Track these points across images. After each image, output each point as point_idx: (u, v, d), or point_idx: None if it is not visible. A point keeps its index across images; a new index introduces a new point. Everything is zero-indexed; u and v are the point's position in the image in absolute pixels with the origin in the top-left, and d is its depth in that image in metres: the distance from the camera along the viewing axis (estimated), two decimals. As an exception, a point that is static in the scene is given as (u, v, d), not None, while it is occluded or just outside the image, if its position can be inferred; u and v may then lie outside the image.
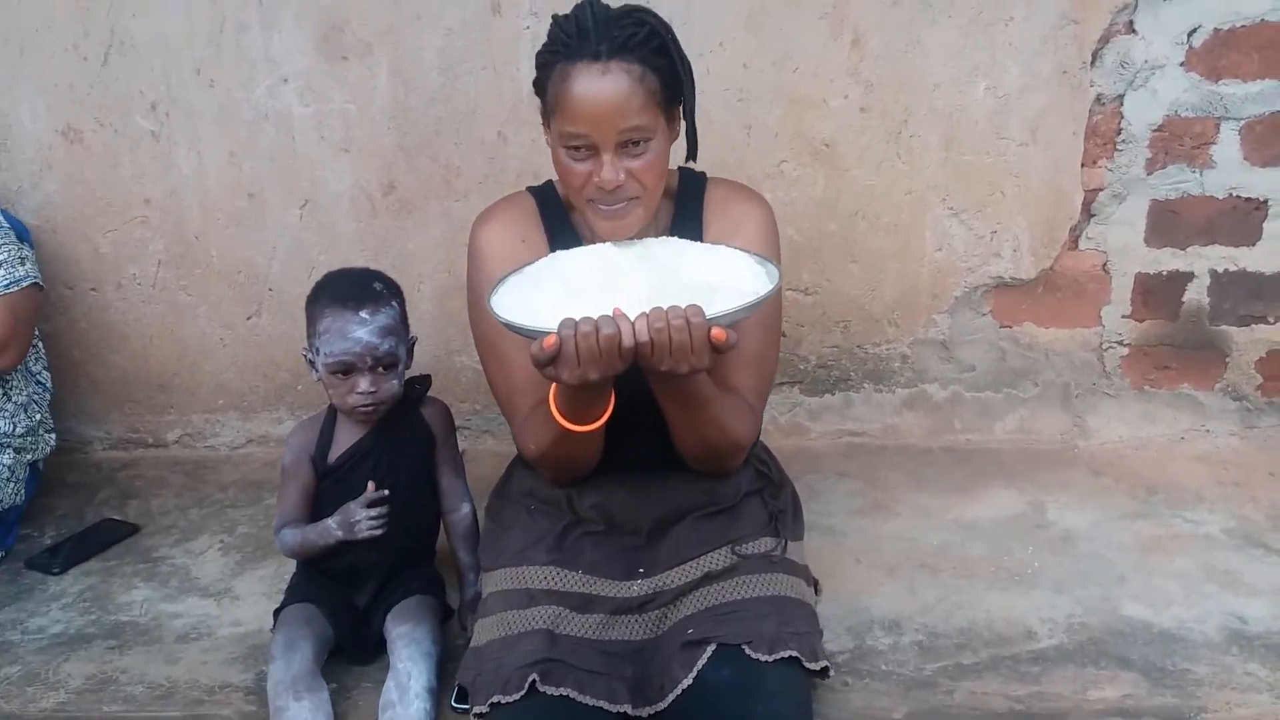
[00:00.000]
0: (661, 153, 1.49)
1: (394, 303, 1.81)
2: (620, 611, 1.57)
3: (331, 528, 1.76)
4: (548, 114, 1.51)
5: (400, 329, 1.80)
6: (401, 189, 2.44)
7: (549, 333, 1.30)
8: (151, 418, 2.66)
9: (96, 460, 2.63)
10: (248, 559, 2.16)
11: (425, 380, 1.92)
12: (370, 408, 1.77)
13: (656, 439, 1.56)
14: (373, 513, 1.73)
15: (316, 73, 2.36)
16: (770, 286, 1.38)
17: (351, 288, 1.78)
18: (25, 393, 2.25)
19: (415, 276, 2.48)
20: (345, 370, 1.75)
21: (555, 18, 1.50)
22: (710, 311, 1.30)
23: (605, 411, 1.45)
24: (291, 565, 1.91)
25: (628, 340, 1.29)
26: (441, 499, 1.91)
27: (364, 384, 1.75)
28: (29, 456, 2.26)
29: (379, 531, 1.73)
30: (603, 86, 1.41)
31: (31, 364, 2.31)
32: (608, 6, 1.48)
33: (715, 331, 1.30)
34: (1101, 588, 1.93)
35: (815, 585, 1.77)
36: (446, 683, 1.66)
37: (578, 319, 1.29)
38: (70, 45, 2.35)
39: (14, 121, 2.41)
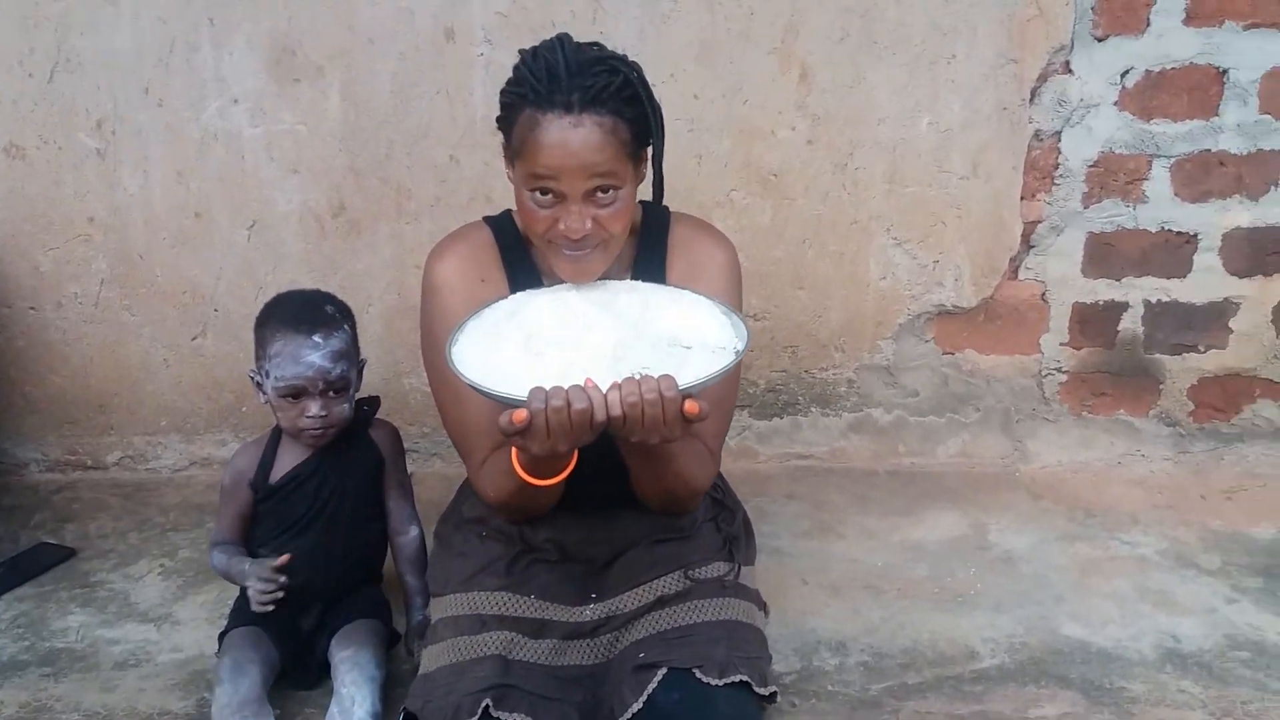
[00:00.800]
0: (629, 200, 1.46)
1: (346, 326, 1.79)
2: (573, 636, 1.57)
3: (245, 574, 1.73)
4: (512, 154, 1.46)
5: (351, 352, 1.79)
6: (351, 210, 2.44)
7: (517, 400, 1.26)
8: (91, 439, 2.61)
9: (33, 483, 2.58)
10: (189, 583, 2.13)
11: (374, 402, 1.91)
12: (319, 431, 1.75)
13: (612, 475, 1.54)
14: (266, 588, 1.69)
15: (267, 94, 2.36)
16: (740, 345, 1.36)
17: (304, 310, 1.77)
18: (-41, 413, 2.20)
19: (364, 298, 2.47)
20: (295, 394, 1.73)
21: (524, 55, 1.44)
22: (682, 381, 1.26)
23: (569, 466, 1.42)
24: (234, 589, 1.88)
25: (599, 415, 1.25)
26: (389, 521, 1.89)
27: (314, 408, 1.73)
28: (-38, 478, 2.20)
29: (268, 608, 1.70)
30: (574, 138, 1.37)
31: (-33, 384, 2.25)
32: (579, 47, 1.43)
33: (688, 405, 1.26)
34: (1041, 608, 1.98)
35: (764, 608, 1.79)
36: (391, 708, 1.65)
37: (547, 389, 1.25)
38: (15, 62, 2.32)
39: (-47, 137, 2.37)
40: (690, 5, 2.30)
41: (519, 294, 1.51)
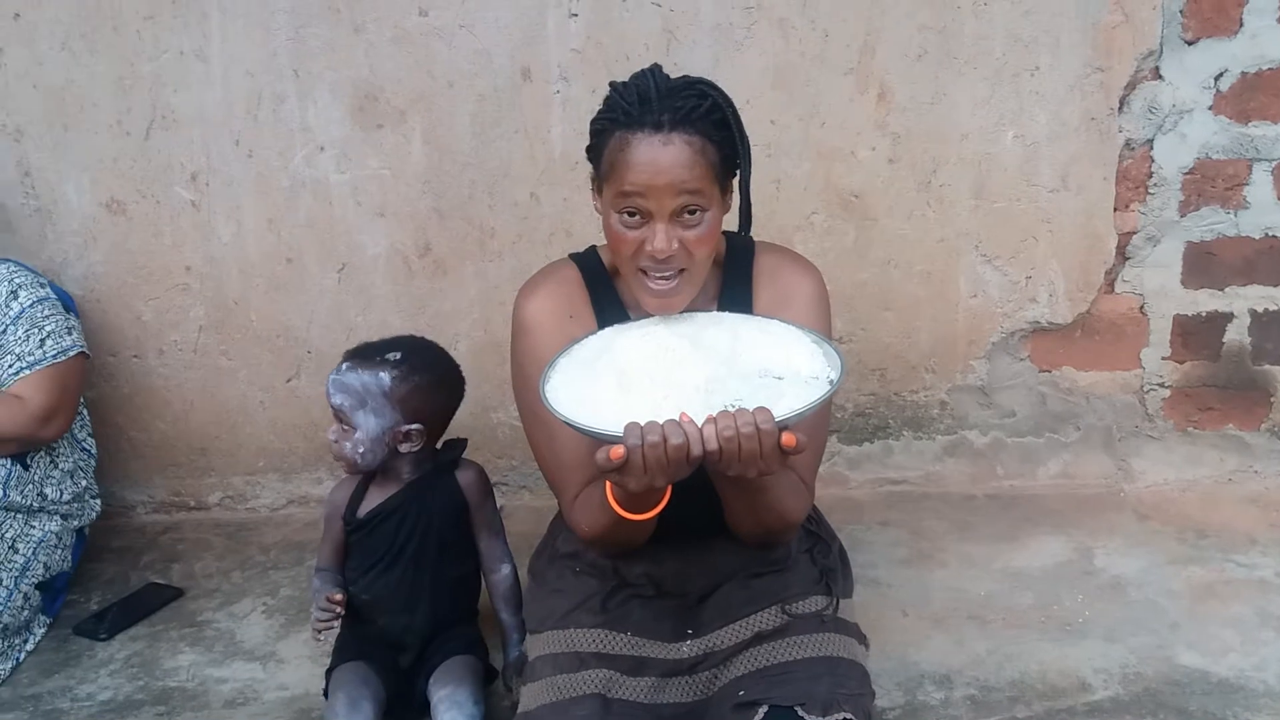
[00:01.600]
0: (715, 225, 1.46)
1: (384, 374, 1.80)
2: (671, 674, 1.56)
3: (319, 599, 1.81)
4: (601, 180, 1.48)
5: (372, 399, 1.79)
6: (437, 250, 2.48)
7: (612, 436, 1.25)
8: (193, 481, 2.68)
9: (140, 524, 2.66)
10: (291, 621, 2.17)
11: (461, 444, 1.94)
12: (339, 459, 1.84)
13: (707, 504, 1.52)
14: (323, 615, 1.77)
15: (352, 140, 2.41)
16: (835, 375, 1.35)
17: (373, 344, 1.88)
18: (71, 459, 2.28)
19: (451, 335, 2.51)
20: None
21: (614, 85, 1.48)
22: (778, 413, 1.25)
23: (664, 499, 1.40)
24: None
25: (696, 449, 1.24)
26: (482, 560, 1.92)
27: (331, 430, 1.84)
28: (75, 523, 2.28)
29: (319, 636, 1.80)
30: (663, 156, 1.39)
31: (77, 431, 2.34)
32: (668, 76, 1.46)
33: (785, 437, 1.25)
34: (1155, 636, 1.90)
35: (864, 641, 1.75)
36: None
37: (643, 424, 1.24)
38: (114, 121, 2.42)
39: (60, 197, 2.47)
40: (763, 32, 2.29)
41: (607, 330, 1.52)
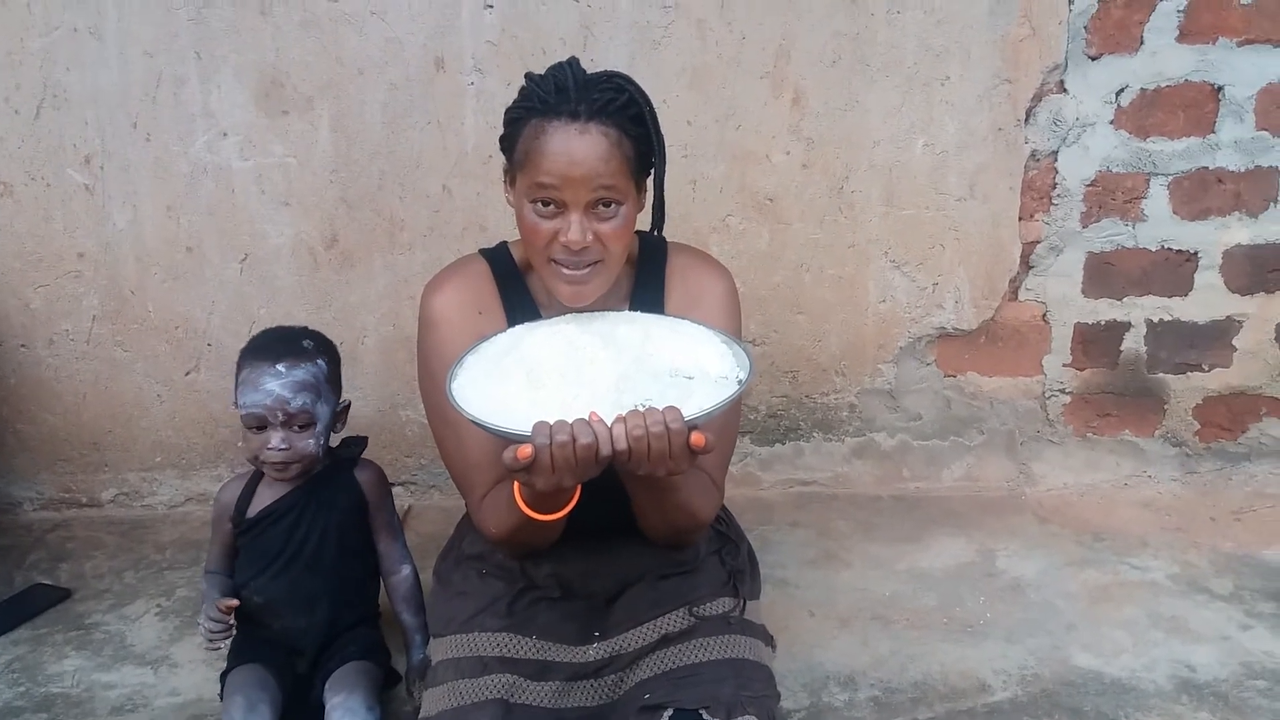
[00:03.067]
0: (629, 219, 1.46)
1: (320, 360, 1.77)
2: (576, 677, 1.54)
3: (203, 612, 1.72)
4: (514, 170, 1.46)
5: (322, 388, 1.76)
6: (344, 242, 2.42)
7: (520, 435, 1.23)
8: (84, 476, 2.57)
9: (27, 522, 2.54)
10: (186, 623, 2.09)
11: (360, 442, 1.89)
12: (281, 465, 1.74)
13: (615, 504, 1.51)
14: (214, 626, 1.67)
15: (256, 127, 2.34)
16: (744, 375, 1.34)
17: (277, 340, 1.78)
18: (-51, 456, 2.17)
19: (359, 330, 2.45)
20: (259, 424, 1.72)
21: (530, 76, 1.47)
22: (687, 412, 1.24)
23: (572, 500, 1.39)
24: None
25: (605, 449, 1.23)
26: (381, 562, 1.88)
27: (275, 439, 1.72)
28: (-47, 522, 2.17)
29: (214, 647, 1.71)
30: (579, 146, 1.39)
31: (-44, 425, 2.22)
32: (585, 70, 1.46)
33: (695, 437, 1.24)
34: (1052, 637, 1.95)
35: (771, 642, 1.76)
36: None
37: (552, 423, 1.23)
38: (1, 99, 2.30)
39: (-59, 175, 2.35)
40: (681, 31, 2.28)
41: (517, 328, 1.49)
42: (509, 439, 1.25)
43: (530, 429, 1.23)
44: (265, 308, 2.44)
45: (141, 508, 2.59)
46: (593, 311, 1.50)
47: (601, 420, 1.24)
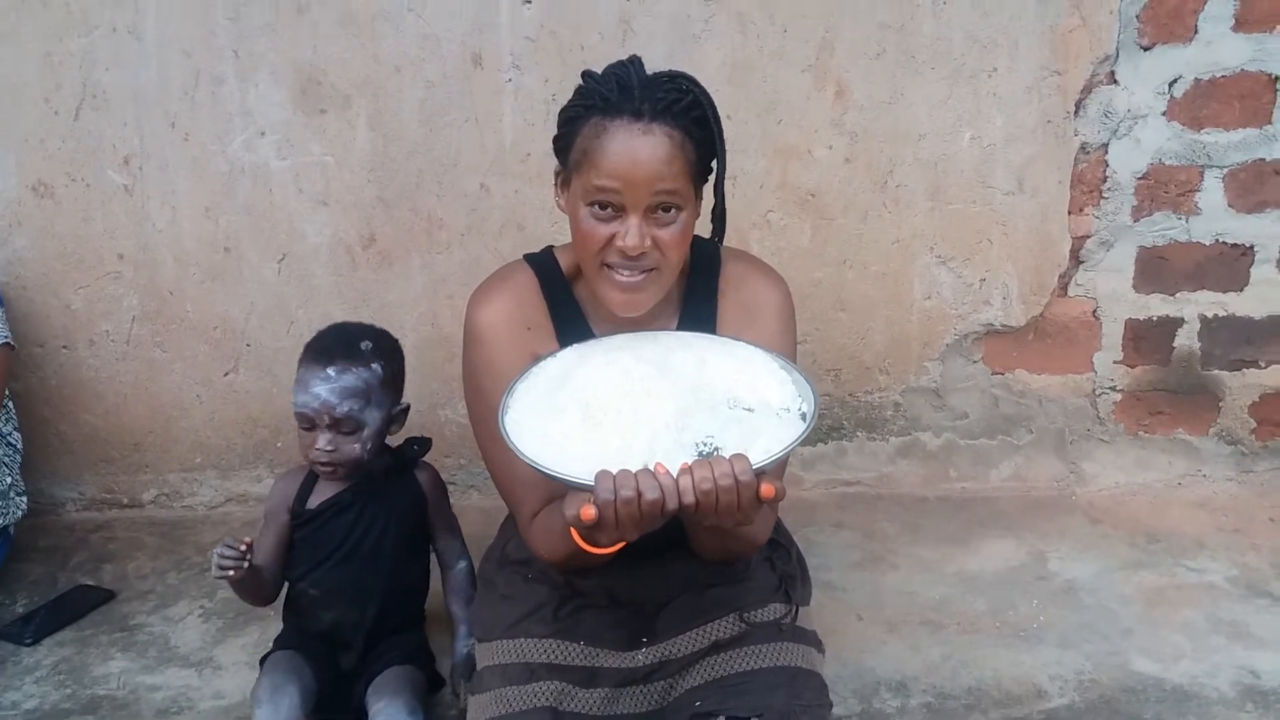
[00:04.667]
0: (688, 226, 1.41)
1: (376, 365, 1.77)
2: (625, 683, 1.52)
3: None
4: (570, 171, 1.42)
5: (373, 393, 1.76)
6: (382, 241, 2.40)
7: (582, 484, 1.19)
8: (126, 477, 2.58)
9: (69, 522, 2.54)
10: (229, 626, 2.09)
11: (424, 443, 1.90)
12: (328, 467, 1.75)
13: (668, 522, 1.42)
14: (226, 551, 1.65)
15: (294, 126, 2.33)
16: (807, 407, 1.29)
17: (334, 342, 1.78)
18: (-6, 456, 2.18)
19: (396, 329, 2.39)
20: (307, 424, 1.74)
21: (588, 74, 1.42)
22: (755, 458, 1.19)
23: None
24: (276, 628, 1.86)
25: (672, 503, 1.18)
26: (439, 557, 1.91)
27: (322, 440, 1.73)
28: (0, 521, 2.18)
29: (225, 573, 1.65)
30: (642, 146, 1.34)
31: (1, 425, 2.23)
32: (646, 70, 1.41)
33: (764, 489, 1.18)
34: (1108, 642, 1.91)
35: (820, 647, 1.72)
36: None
37: (615, 475, 1.18)
38: (41, 99, 2.30)
39: (-18, 177, 2.36)
40: (721, 25, 2.25)
41: (568, 352, 1.43)
42: (570, 486, 1.21)
43: (591, 476, 1.18)
44: (303, 308, 2.44)
45: (182, 508, 2.59)
46: (644, 331, 1.45)
47: (668, 472, 1.19)
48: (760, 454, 1.21)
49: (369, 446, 1.77)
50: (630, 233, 1.35)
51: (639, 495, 1.17)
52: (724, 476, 1.17)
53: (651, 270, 1.40)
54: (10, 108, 2.30)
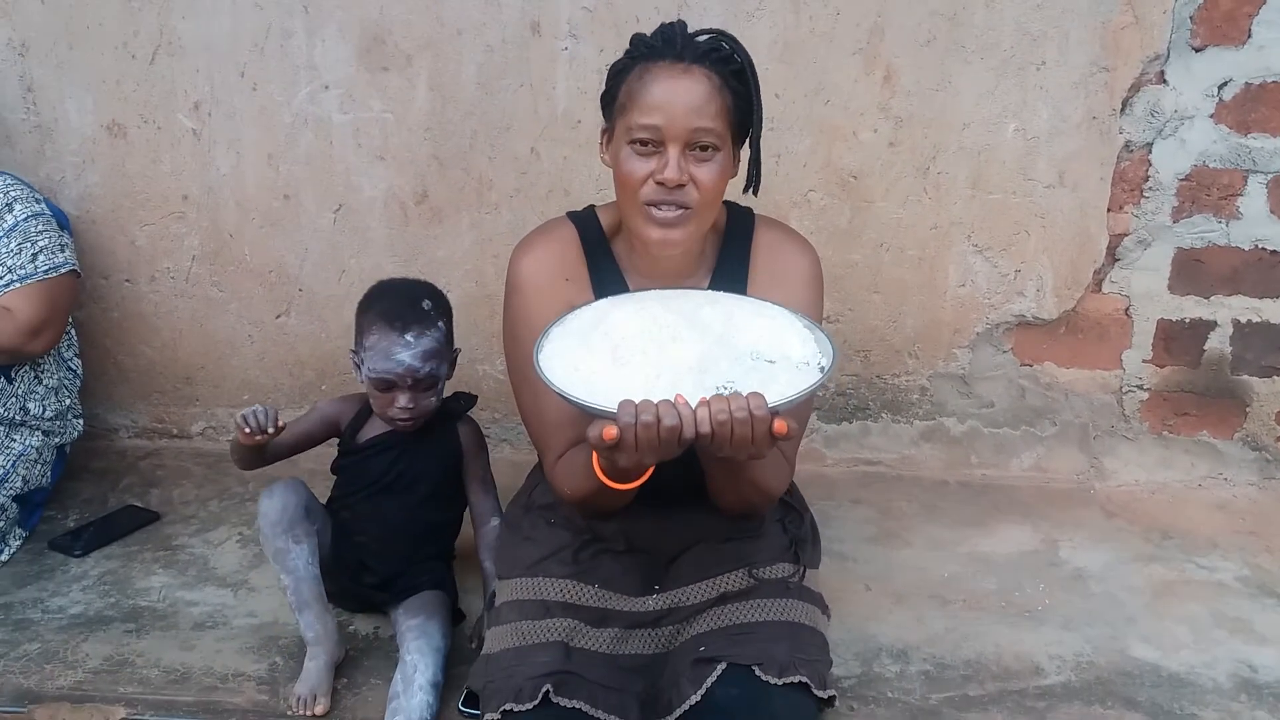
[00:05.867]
0: (724, 170, 1.49)
1: (440, 323, 1.86)
2: (635, 626, 1.59)
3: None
4: (615, 118, 1.51)
5: (444, 349, 1.87)
6: (434, 198, 2.48)
7: (606, 412, 1.26)
8: (177, 409, 2.70)
9: (121, 448, 2.67)
10: (264, 553, 2.18)
11: (470, 399, 1.98)
12: (408, 421, 1.85)
13: (687, 472, 1.52)
14: (258, 419, 1.79)
15: (357, 82, 2.41)
16: (826, 362, 1.36)
17: (401, 305, 1.84)
18: (56, 377, 2.29)
19: (443, 284, 2.45)
20: (387, 387, 1.82)
21: (637, 35, 1.53)
22: (771, 399, 1.26)
23: (649, 470, 1.40)
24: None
25: (689, 431, 1.25)
26: (473, 512, 1.96)
27: (403, 400, 1.82)
28: (57, 440, 2.30)
29: (244, 429, 1.79)
30: (683, 82, 1.43)
31: (64, 350, 2.35)
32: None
33: (777, 425, 1.26)
34: (1111, 628, 1.94)
35: (826, 611, 1.78)
36: (451, 684, 1.69)
37: (637, 403, 1.25)
38: (120, 43, 2.41)
39: (60, 115, 2.47)
40: (775, 4, 2.29)
41: (602, 301, 1.52)
42: (595, 414, 1.28)
43: (615, 406, 1.26)
44: (355, 258, 2.53)
45: (228, 442, 2.64)
46: (677, 289, 1.52)
47: (686, 403, 1.26)
48: (776, 396, 1.28)
49: (439, 395, 1.89)
50: (670, 165, 1.44)
51: (658, 420, 1.24)
52: (739, 410, 1.25)
53: (688, 209, 1.47)
54: (90, 50, 2.41)
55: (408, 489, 1.89)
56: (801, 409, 1.57)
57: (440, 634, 1.75)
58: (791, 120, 2.36)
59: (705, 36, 1.49)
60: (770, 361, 1.36)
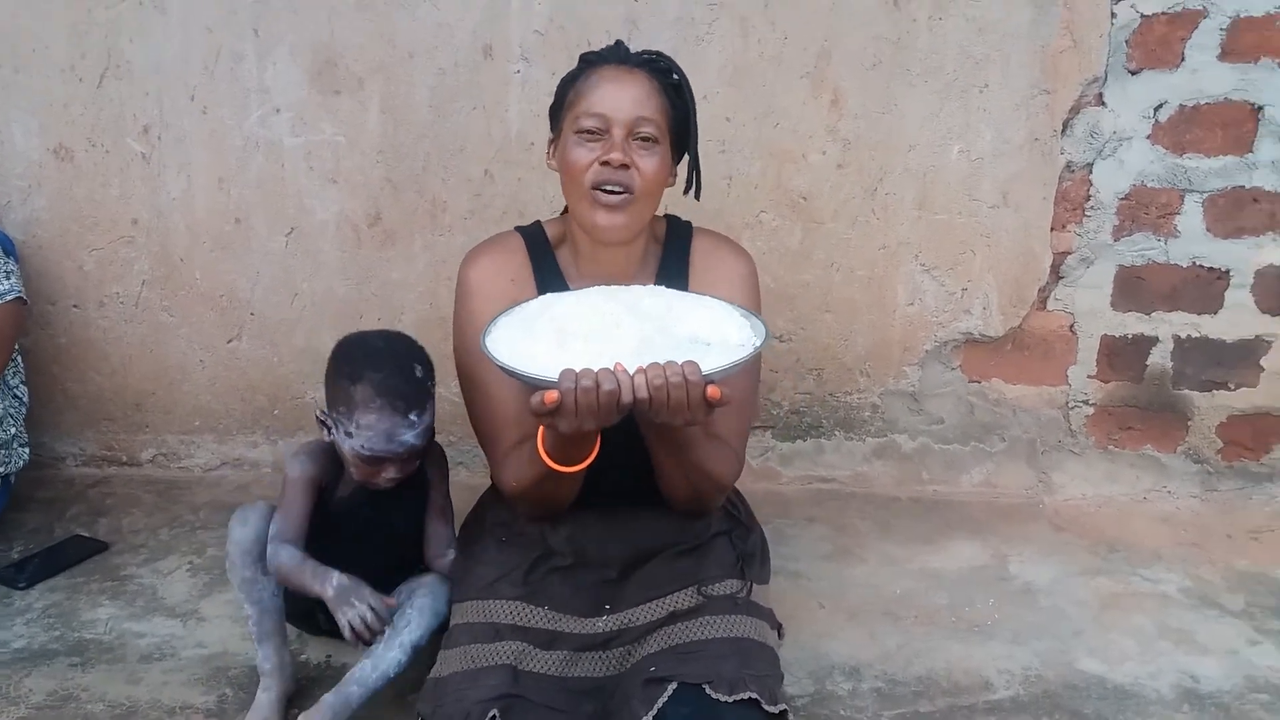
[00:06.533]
0: (663, 164, 1.59)
1: (429, 384, 1.73)
2: (585, 648, 1.59)
3: (330, 585, 1.65)
4: (563, 118, 1.61)
5: (429, 416, 1.73)
6: (387, 221, 2.48)
7: (548, 382, 1.32)
8: (126, 436, 2.66)
9: (69, 476, 2.63)
10: (216, 581, 2.16)
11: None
12: (392, 484, 1.74)
13: (633, 472, 1.60)
14: (372, 621, 1.63)
15: (309, 104, 2.41)
16: (759, 341, 1.43)
17: (399, 381, 1.68)
18: (1, 406, 2.26)
19: (397, 307, 2.51)
20: (379, 462, 1.70)
21: (584, 52, 1.66)
22: (706, 368, 1.33)
23: (592, 453, 1.47)
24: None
25: (627, 396, 1.31)
26: (427, 544, 1.86)
27: (393, 471, 1.72)
28: (1, 470, 2.26)
29: (363, 642, 1.64)
30: (625, 79, 1.57)
31: (9, 377, 2.31)
32: None
33: (710, 390, 1.32)
34: (1059, 641, 1.97)
35: (778, 629, 1.80)
36: (406, 709, 1.67)
37: (578, 371, 1.31)
38: (67, 66, 2.39)
39: (5, 138, 2.44)
40: (724, 29, 2.33)
41: (549, 295, 1.59)
42: (537, 385, 1.34)
43: (557, 377, 1.32)
44: (308, 281, 2.52)
45: (178, 469, 2.68)
46: (621, 285, 1.58)
47: (625, 370, 1.33)
48: (711, 366, 1.35)
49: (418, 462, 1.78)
50: (613, 149, 1.54)
51: (598, 385, 1.31)
52: (675, 375, 1.32)
53: (631, 194, 1.56)
54: (37, 74, 2.39)
55: (382, 532, 1.82)
56: (746, 392, 1.65)
57: (445, 601, 1.71)
58: (742, 143, 2.39)
59: (648, 55, 1.63)
60: (708, 344, 1.43)
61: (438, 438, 2.50)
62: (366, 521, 1.80)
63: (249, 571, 1.70)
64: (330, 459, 1.78)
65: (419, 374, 1.71)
